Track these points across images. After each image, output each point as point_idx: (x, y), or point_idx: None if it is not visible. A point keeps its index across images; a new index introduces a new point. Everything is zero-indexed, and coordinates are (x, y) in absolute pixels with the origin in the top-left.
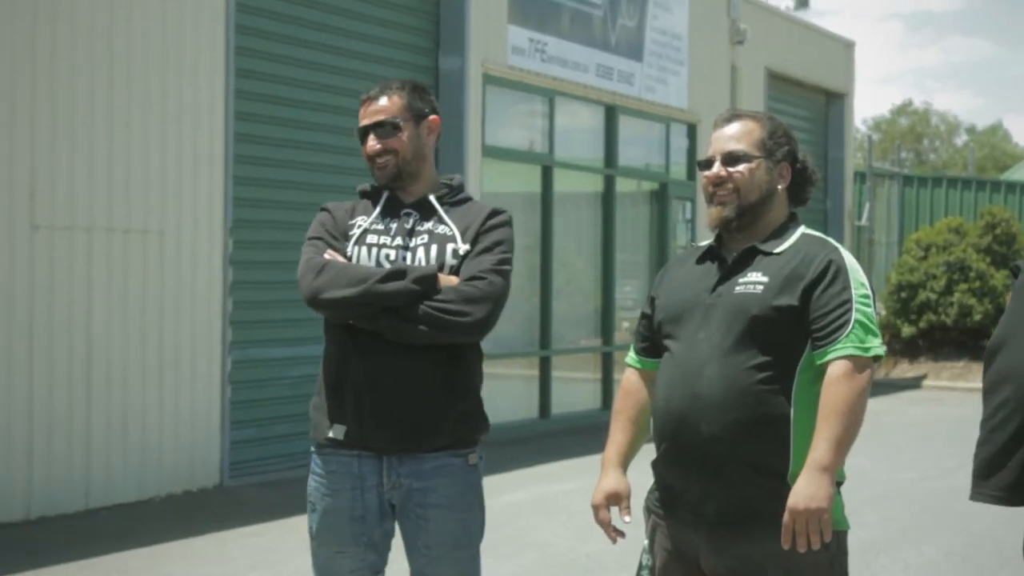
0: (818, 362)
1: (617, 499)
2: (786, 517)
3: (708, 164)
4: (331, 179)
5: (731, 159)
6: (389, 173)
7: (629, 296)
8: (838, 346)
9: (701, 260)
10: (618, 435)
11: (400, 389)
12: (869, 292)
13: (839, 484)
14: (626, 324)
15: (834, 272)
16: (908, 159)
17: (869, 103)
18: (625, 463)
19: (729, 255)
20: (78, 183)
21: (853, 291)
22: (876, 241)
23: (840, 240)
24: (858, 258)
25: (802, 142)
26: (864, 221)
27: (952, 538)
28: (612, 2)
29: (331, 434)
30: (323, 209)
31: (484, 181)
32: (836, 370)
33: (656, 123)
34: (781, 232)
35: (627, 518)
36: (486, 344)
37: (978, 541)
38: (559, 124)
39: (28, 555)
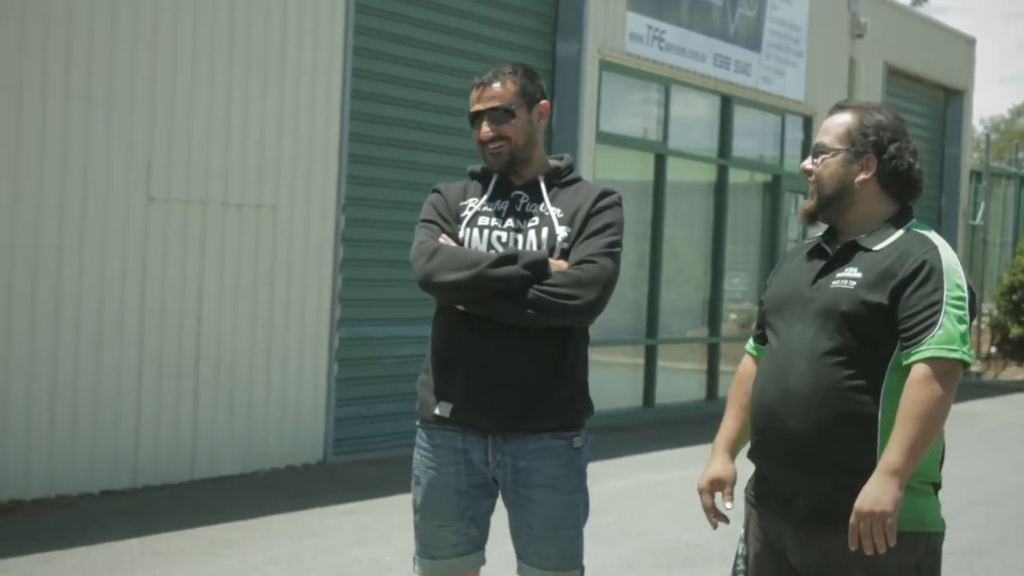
0: (904, 362)
1: (720, 484)
2: (852, 518)
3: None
4: (444, 160)
5: (815, 151)
6: (502, 159)
7: (738, 288)
8: (922, 348)
9: (811, 254)
10: (729, 421)
11: (508, 370)
12: (965, 295)
13: (936, 487)
14: (733, 316)
15: (927, 272)
16: None
17: (988, 102)
18: (734, 449)
19: (833, 249)
20: (195, 157)
21: (946, 292)
22: (990, 241)
23: (953, 238)
24: (971, 257)
25: (918, 138)
26: (978, 220)
27: None
28: None
29: (438, 411)
30: (435, 190)
31: (597, 167)
32: (917, 373)
33: (772, 114)
34: (885, 228)
35: (729, 504)
36: (593, 330)
37: None
38: (674, 112)
39: (134, 522)
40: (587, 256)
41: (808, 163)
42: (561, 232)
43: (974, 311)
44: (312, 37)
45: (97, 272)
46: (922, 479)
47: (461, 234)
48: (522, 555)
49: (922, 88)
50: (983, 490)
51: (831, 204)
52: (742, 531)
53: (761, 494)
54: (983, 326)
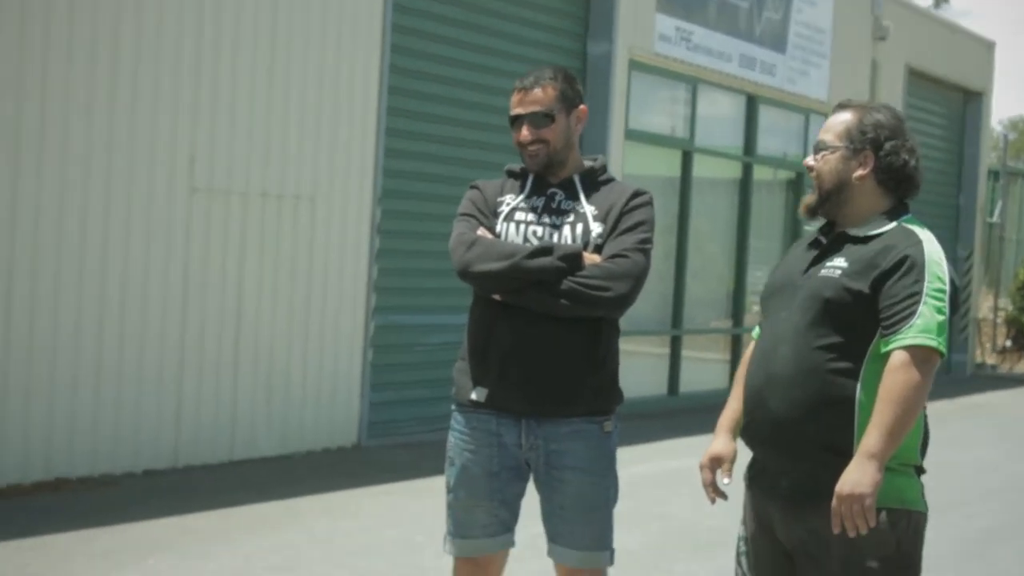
0: (882, 350)
1: (719, 461)
2: (834, 501)
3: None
4: (479, 155)
5: (817, 148)
6: (540, 162)
7: (760, 281)
8: (901, 335)
9: (809, 245)
10: (732, 402)
11: (542, 357)
12: (946, 287)
13: (918, 471)
14: (756, 308)
15: (909, 265)
16: None
17: (1007, 103)
18: (735, 428)
19: (827, 240)
20: (236, 149)
21: (926, 284)
22: (1007, 238)
23: (971, 235)
24: (988, 254)
25: (938, 138)
26: (996, 218)
27: None
28: None
29: (474, 396)
30: (473, 186)
31: (626, 164)
32: (896, 359)
33: (795, 114)
34: (876, 221)
35: (727, 479)
36: (621, 321)
37: None
38: (701, 111)
39: (175, 501)
40: (620, 251)
41: (810, 159)
42: (596, 228)
43: (956, 305)
44: (351, 34)
45: (142, 260)
46: (903, 461)
47: (498, 228)
48: (553, 537)
49: (942, 89)
50: (997, 479)
51: (830, 199)
52: (743, 513)
53: (753, 475)
54: (999, 320)
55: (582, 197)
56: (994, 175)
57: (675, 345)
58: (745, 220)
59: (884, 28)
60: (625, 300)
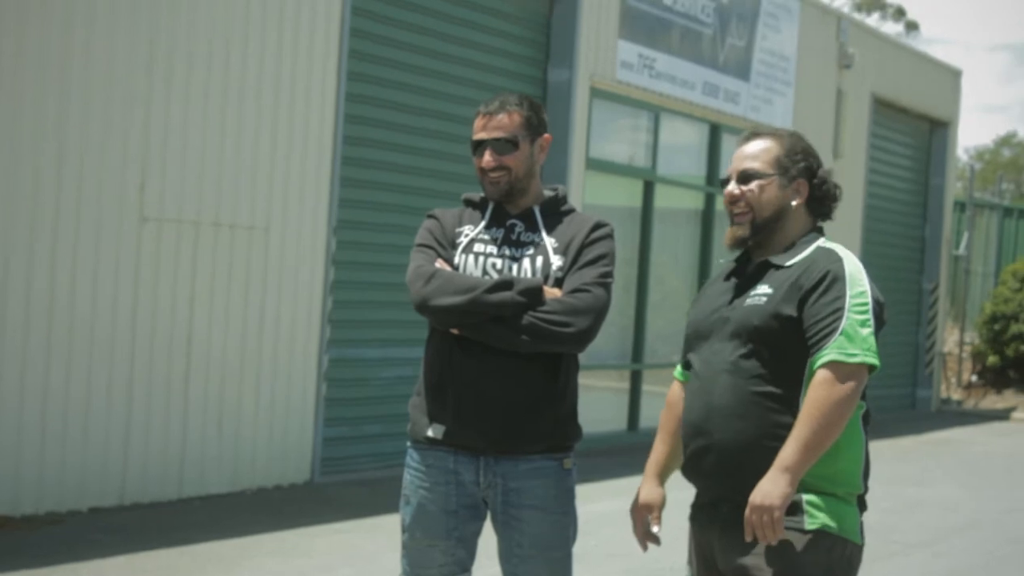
0: (812, 369)
1: (648, 509)
2: (747, 510)
3: (725, 183)
4: (436, 184)
5: (745, 177)
6: (501, 189)
7: None
8: (824, 352)
9: (728, 276)
10: (659, 445)
11: (500, 393)
12: (868, 301)
13: (860, 500)
14: None
15: (830, 281)
16: (1009, 190)
17: (973, 132)
18: (663, 473)
19: (747, 270)
20: (188, 178)
21: (848, 299)
22: (973, 271)
23: (936, 268)
24: (954, 287)
25: (904, 168)
26: (962, 250)
27: None
28: (723, 21)
29: (430, 433)
30: (431, 216)
31: (586, 193)
32: (819, 376)
33: None
34: (796, 246)
35: (655, 527)
36: (580, 355)
37: None
38: (663, 140)
39: (122, 540)
40: (581, 285)
41: (735, 188)
42: (556, 261)
43: (881, 320)
44: (306, 60)
45: (89, 290)
46: (847, 489)
47: (456, 260)
48: None
49: (908, 118)
50: (963, 518)
51: (766, 227)
52: (688, 555)
53: (694, 509)
54: (964, 355)
55: (542, 229)
56: (960, 206)
57: (635, 379)
58: (707, 251)
59: (849, 56)
60: (587, 335)
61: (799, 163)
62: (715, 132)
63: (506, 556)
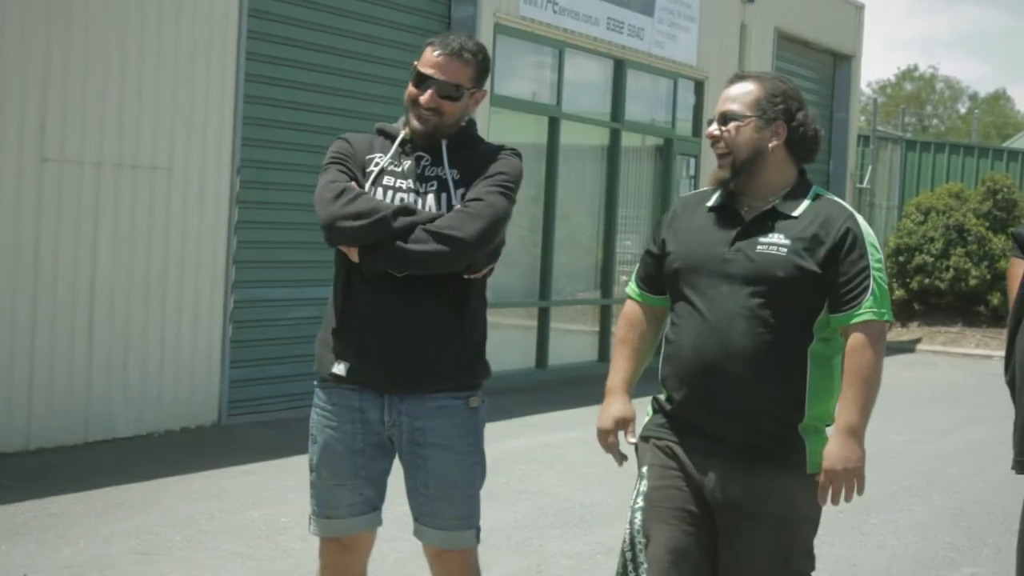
0: (836, 324)
1: (625, 423)
2: (823, 478)
3: (709, 123)
4: (340, 122)
5: (724, 119)
6: (428, 128)
7: (629, 251)
8: (859, 312)
9: (719, 215)
10: (623, 363)
11: (404, 330)
12: (882, 257)
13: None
14: (624, 278)
15: (852, 240)
16: (911, 124)
17: (876, 67)
18: (630, 389)
19: (742, 210)
20: (88, 118)
21: (871, 259)
22: (876, 204)
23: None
24: None
25: (808, 103)
26: (866, 184)
27: (944, 500)
28: None
29: (335, 370)
30: (342, 138)
31: (491, 130)
32: (859, 337)
33: (664, 79)
34: (794, 193)
35: (631, 439)
36: (487, 293)
37: (968, 505)
38: (568, 76)
39: (27, 485)
40: (475, 195)
41: (715, 129)
42: (457, 196)
43: None
44: None
45: None
46: (828, 424)
47: (366, 189)
48: (418, 516)
49: (811, 53)
50: (870, 449)
51: (745, 169)
52: (644, 468)
53: (680, 431)
54: None
55: (446, 163)
56: (864, 140)
57: (543, 317)
58: (613, 188)
59: None
60: (479, 241)
61: (778, 105)
62: (619, 68)
63: (412, 495)
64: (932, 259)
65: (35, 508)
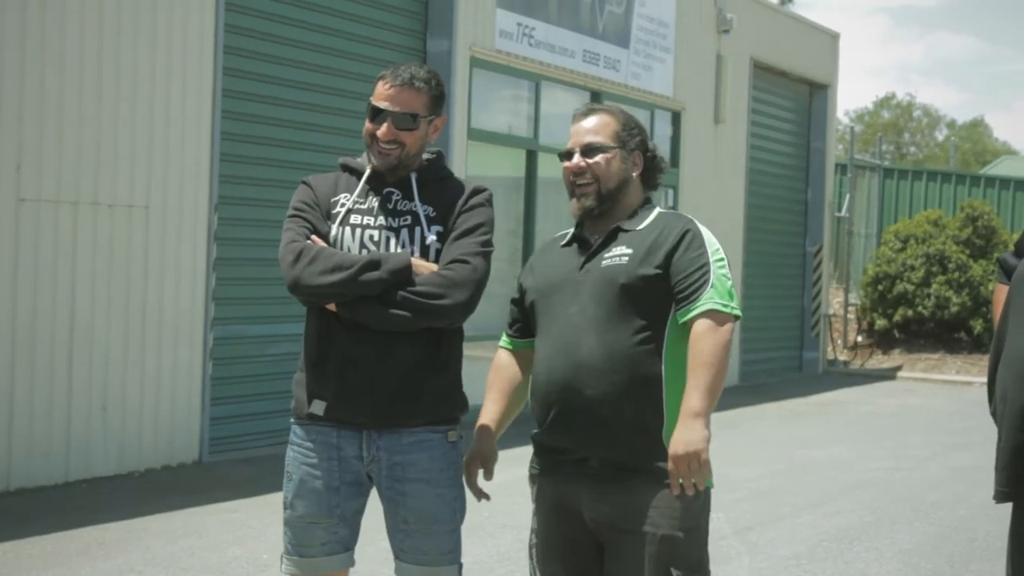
0: (681, 320)
1: (484, 461)
2: (670, 465)
3: (568, 156)
4: (317, 158)
5: (589, 150)
6: (390, 162)
7: None
8: (700, 303)
9: (569, 244)
10: (490, 405)
11: (380, 366)
12: (724, 257)
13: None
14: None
15: (690, 238)
16: (889, 152)
17: (853, 95)
18: (496, 430)
19: (592, 237)
20: (65, 157)
21: (710, 255)
22: (855, 232)
23: (820, 230)
24: (837, 249)
25: (785, 132)
26: (844, 212)
27: (926, 527)
28: None
29: (312, 409)
30: (304, 183)
31: (469, 164)
32: (701, 326)
33: (641, 110)
34: (639, 213)
35: (488, 478)
36: (465, 326)
37: (950, 531)
38: (544, 109)
39: (7, 525)
40: (459, 256)
41: (580, 161)
42: (433, 231)
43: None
44: (182, 34)
45: None
46: None
47: (333, 232)
48: (399, 552)
49: (788, 82)
50: (853, 477)
51: (611, 197)
52: (533, 505)
53: (550, 464)
54: (850, 316)
55: (417, 198)
56: (841, 168)
57: None
58: None
59: (728, 21)
60: (465, 308)
61: (636, 136)
62: (596, 100)
63: (393, 532)
64: (913, 287)
65: (16, 549)
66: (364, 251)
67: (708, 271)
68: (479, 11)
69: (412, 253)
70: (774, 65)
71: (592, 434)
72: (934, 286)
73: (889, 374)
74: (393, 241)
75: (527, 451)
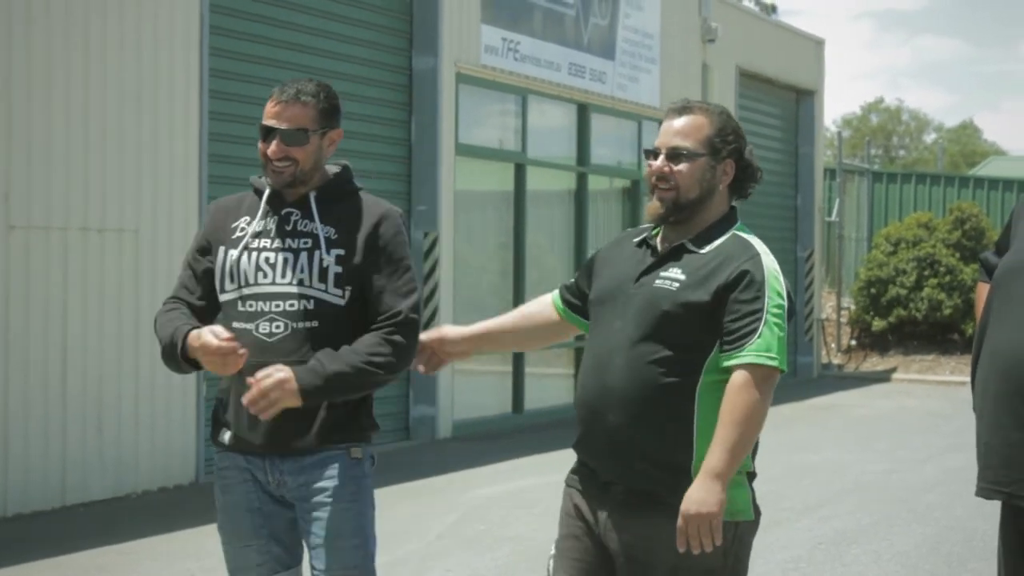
0: (722, 364)
1: (440, 341)
2: (680, 521)
3: (654, 155)
4: None
5: (675, 155)
6: (284, 180)
7: None
8: (743, 353)
9: (639, 248)
10: (502, 319)
11: None
12: (784, 304)
13: (750, 477)
14: None
15: (748, 280)
16: (878, 156)
17: (842, 101)
18: (481, 336)
19: (662, 244)
20: (54, 183)
21: (766, 301)
22: (846, 237)
23: (810, 236)
24: (828, 253)
25: (772, 139)
26: (834, 217)
27: (924, 529)
28: (584, 1)
29: (221, 438)
30: (210, 206)
31: (457, 179)
32: (738, 378)
33: (628, 121)
34: (713, 231)
35: (421, 368)
36: None
37: (948, 532)
38: (532, 122)
39: (3, 552)
40: (401, 318)
41: (663, 164)
42: (332, 255)
43: (792, 314)
44: (168, 57)
45: None
46: (740, 471)
47: (233, 256)
48: (313, 571)
49: (774, 89)
50: (850, 480)
51: (689, 207)
52: (560, 516)
53: (583, 477)
54: (843, 320)
55: (317, 218)
56: (830, 174)
57: (517, 362)
58: (582, 231)
59: (713, 30)
60: (409, 361)
61: (731, 144)
62: (583, 112)
63: (309, 548)
64: (906, 291)
65: (13, 575)
66: (260, 274)
67: (760, 320)
68: (464, 27)
69: (311, 277)
70: (760, 73)
71: (614, 460)
72: (926, 290)
73: (884, 376)
74: (292, 264)
75: (524, 463)
